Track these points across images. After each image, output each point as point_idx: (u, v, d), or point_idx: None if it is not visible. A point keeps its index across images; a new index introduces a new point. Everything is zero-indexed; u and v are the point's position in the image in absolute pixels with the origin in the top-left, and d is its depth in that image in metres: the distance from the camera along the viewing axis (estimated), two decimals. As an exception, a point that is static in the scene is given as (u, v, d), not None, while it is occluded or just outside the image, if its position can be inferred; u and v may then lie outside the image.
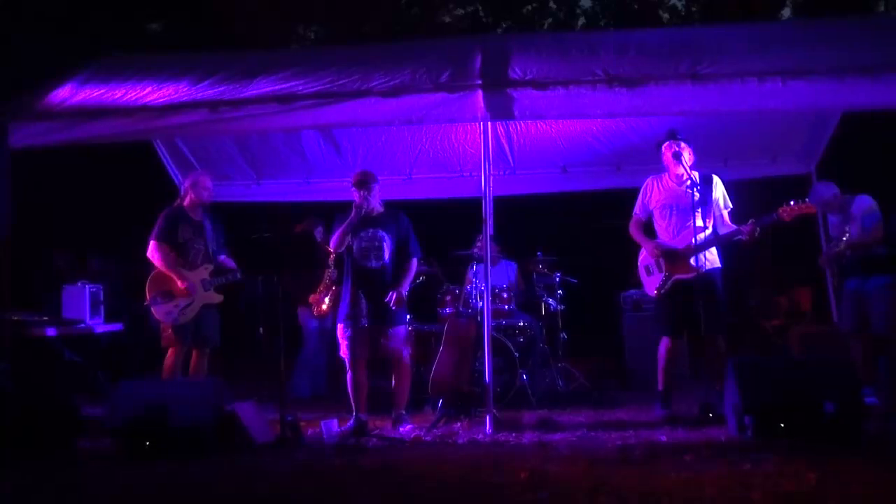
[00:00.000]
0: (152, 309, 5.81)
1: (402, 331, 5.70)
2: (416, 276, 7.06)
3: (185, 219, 5.97)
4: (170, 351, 5.83)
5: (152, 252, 5.83)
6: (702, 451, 4.33)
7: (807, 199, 5.40)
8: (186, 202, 6.03)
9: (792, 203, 5.31)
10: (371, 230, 5.64)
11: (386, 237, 5.66)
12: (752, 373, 4.78)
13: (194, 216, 6.01)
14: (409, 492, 3.69)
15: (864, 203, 5.95)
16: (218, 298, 5.98)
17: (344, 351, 5.57)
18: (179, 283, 5.80)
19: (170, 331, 5.80)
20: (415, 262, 5.79)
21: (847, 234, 5.86)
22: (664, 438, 4.85)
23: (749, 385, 4.70)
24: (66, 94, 5.76)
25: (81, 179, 9.85)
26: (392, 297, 5.55)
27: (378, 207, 5.73)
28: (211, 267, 5.96)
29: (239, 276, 6.04)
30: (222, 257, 6.10)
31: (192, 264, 5.90)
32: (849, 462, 3.89)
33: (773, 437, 4.47)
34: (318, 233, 7.17)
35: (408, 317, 6.05)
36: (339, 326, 5.63)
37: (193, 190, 6.01)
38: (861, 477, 3.61)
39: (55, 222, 9.86)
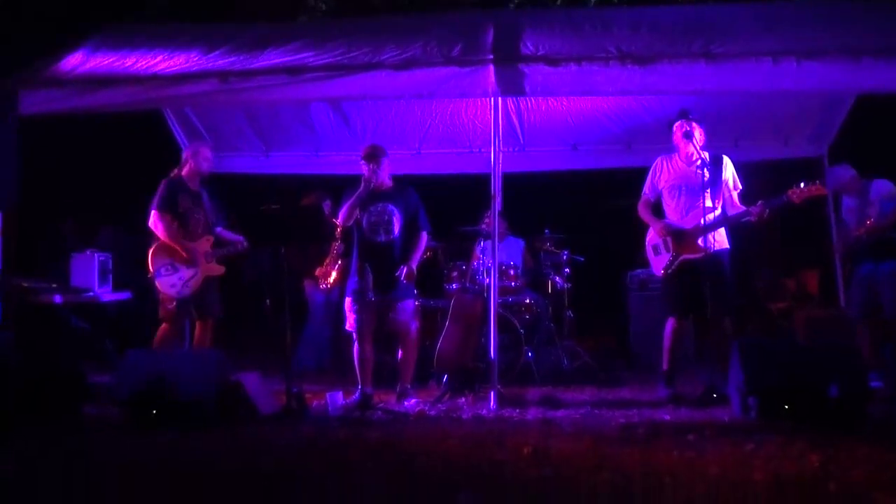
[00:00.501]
0: (156, 281, 5.77)
1: (410, 305, 5.71)
2: (424, 251, 7.07)
3: (184, 189, 5.91)
4: (163, 324, 5.83)
5: (155, 222, 5.77)
6: (705, 431, 4.34)
7: (818, 181, 5.36)
8: (185, 172, 5.97)
9: (802, 185, 5.28)
10: (380, 204, 5.64)
11: (395, 211, 5.65)
12: (757, 354, 4.78)
13: (192, 186, 5.96)
14: (413, 467, 3.71)
15: (883, 187, 5.94)
16: (220, 270, 5.96)
17: (351, 324, 5.59)
18: (184, 254, 5.78)
19: (172, 304, 5.77)
20: (424, 236, 5.78)
21: (870, 219, 5.84)
22: (668, 418, 4.87)
23: (754, 367, 4.70)
24: (77, 61, 5.75)
25: (91, 148, 9.84)
26: (403, 271, 5.55)
27: (387, 181, 5.72)
28: (212, 238, 5.95)
29: (241, 247, 6.03)
30: (219, 229, 6.07)
31: (193, 235, 5.86)
32: (852, 445, 3.89)
33: (777, 418, 4.48)
34: (327, 206, 7.16)
35: (415, 291, 6.06)
36: (347, 300, 5.64)
37: (194, 159, 5.97)
38: (864, 460, 3.62)
39: (65, 192, 9.89)
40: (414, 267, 5.66)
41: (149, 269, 5.78)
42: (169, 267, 5.75)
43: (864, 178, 6.08)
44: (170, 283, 5.74)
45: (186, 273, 5.78)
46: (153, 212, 5.79)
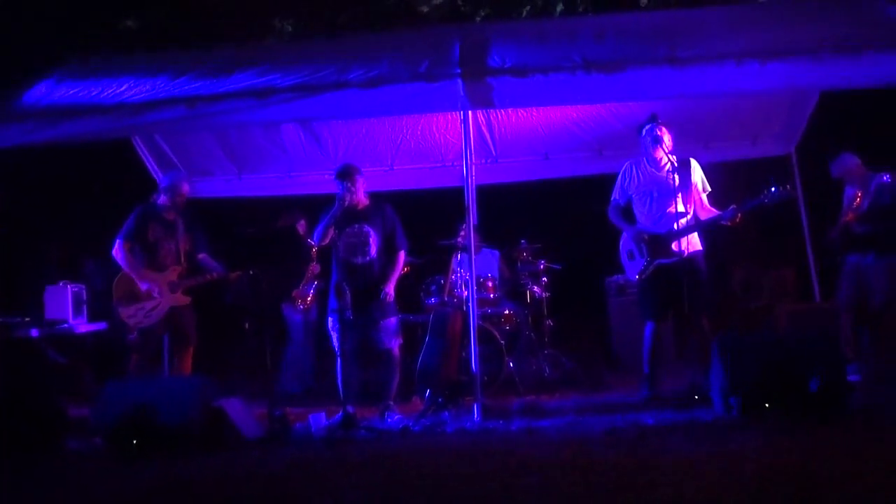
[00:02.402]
0: (118, 311, 5.74)
1: (392, 323, 5.69)
2: (402, 267, 7.06)
3: (158, 218, 5.90)
4: (133, 354, 5.78)
5: (116, 251, 5.77)
6: (689, 431, 4.36)
7: (788, 185, 5.42)
8: (161, 201, 5.97)
9: (773, 189, 5.33)
10: (357, 225, 5.62)
11: (372, 232, 5.64)
12: (736, 353, 4.82)
13: (167, 216, 5.95)
14: (399, 482, 3.70)
15: (884, 180, 6.05)
16: (185, 300, 5.92)
17: (335, 343, 5.56)
18: (141, 284, 5.74)
19: (133, 334, 5.74)
20: (402, 255, 5.76)
21: (857, 204, 5.96)
22: (651, 420, 4.88)
23: (734, 365, 4.74)
24: (41, 93, 5.71)
25: (71, 178, 9.77)
26: (381, 295, 5.55)
27: (363, 200, 5.71)
28: (180, 268, 5.91)
29: (210, 277, 5.98)
30: (202, 256, 6.04)
31: (160, 266, 5.84)
32: (834, 437, 3.93)
33: (759, 415, 4.51)
34: (301, 226, 7.14)
35: (396, 308, 6.03)
36: (330, 319, 5.62)
37: (168, 192, 5.97)
38: (846, 451, 3.65)
39: (46, 224, 9.80)
40: (391, 288, 5.64)
41: (113, 299, 5.74)
42: (130, 297, 5.71)
43: (870, 171, 6.20)
44: (129, 313, 5.71)
45: (148, 304, 5.73)
46: (116, 241, 5.78)
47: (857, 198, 6.05)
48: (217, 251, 6.15)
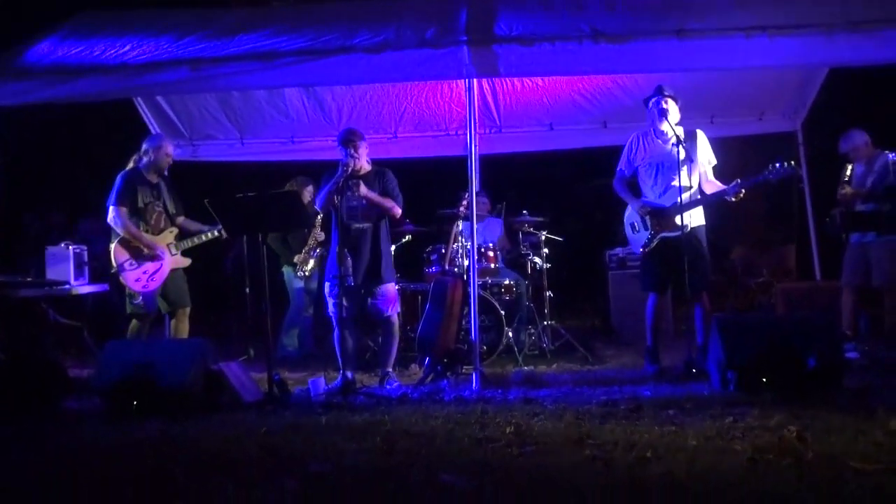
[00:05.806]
0: (121, 277, 5.73)
1: (390, 289, 5.69)
2: (403, 235, 7.07)
3: (143, 182, 5.86)
4: (133, 321, 5.79)
5: (113, 218, 5.73)
6: (685, 405, 4.38)
7: (792, 161, 5.40)
8: (143, 165, 5.92)
9: (777, 165, 5.31)
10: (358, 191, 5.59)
11: (372, 198, 5.61)
12: (735, 329, 4.83)
13: (150, 179, 5.93)
14: (397, 447, 3.72)
15: (889, 159, 6.04)
16: (186, 262, 5.93)
17: (331, 309, 5.57)
18: (145, 248, 5.74)
19: (139, 299, 5.74)
20: (394, 204, 5.60)
21: (847, 178, 6.05)
22: (648, 393, 4.90)
23: (732, 341, 4.75)
24: (44, 51, 5.66)
25: (69, 139, 9.73)
26: (360, 188, 5.46)
27: (366, 166, 5.69)
28: (175, 230, 5.91)
29: (208, 236, 5.98)
30: (181, 220, 6.04)
31: (155, 228, 5.84)
32: (829, 415, 3.94)
33: (756, 391, 4.53)
34: (308, 192, 7.13)
35: (396, 275, 6.04)
36: (327, 285, 5.62)
37: (155, 153, 5.90)
38: (840, 429, 3.66)
39: (44, 184, 9.78)
40: (369, 193, 5.49)
41: (112, 265, 5.73)
42: (132, 262, 5.70)
43: (877, 149, 6.18)
44: (134, 277, 5.70)
45: (150, 266, 5.74)
46: (111, 207, 5.74)
47: (847, 170, 6.08)
48: (218, 215, 6.12)
